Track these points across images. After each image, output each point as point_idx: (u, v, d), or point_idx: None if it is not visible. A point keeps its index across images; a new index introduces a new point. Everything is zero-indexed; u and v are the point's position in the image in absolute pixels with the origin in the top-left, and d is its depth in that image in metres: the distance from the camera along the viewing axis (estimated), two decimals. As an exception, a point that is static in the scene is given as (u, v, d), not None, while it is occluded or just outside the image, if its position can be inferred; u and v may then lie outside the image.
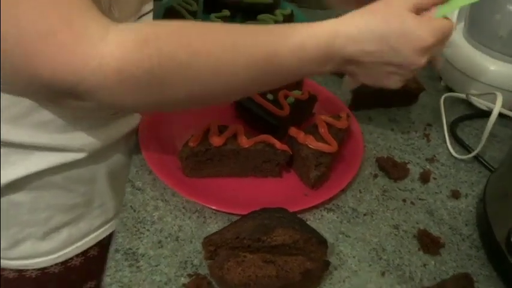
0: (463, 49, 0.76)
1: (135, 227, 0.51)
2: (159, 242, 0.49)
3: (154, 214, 0.53)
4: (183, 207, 0.54)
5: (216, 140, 0.54)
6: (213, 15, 0.81)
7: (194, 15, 0.82)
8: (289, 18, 0.85)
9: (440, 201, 0.59)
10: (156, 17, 0.84)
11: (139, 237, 0.50)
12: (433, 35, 0.46)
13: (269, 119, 0.61)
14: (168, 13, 0.82)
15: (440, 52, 0.49)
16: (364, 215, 0.56)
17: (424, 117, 0.74)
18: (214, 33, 0.42)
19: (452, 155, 0.66)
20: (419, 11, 0.47)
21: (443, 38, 0.47)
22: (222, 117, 0.60)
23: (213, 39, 0.42)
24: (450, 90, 0.79)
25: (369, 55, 0.46)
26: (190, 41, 0.40)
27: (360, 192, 0.59)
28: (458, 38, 0.77)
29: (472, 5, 0.74)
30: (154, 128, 0.62)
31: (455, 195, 0.60)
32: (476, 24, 0.74)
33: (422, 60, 0.47)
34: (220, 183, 0.57)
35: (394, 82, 0.51)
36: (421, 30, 0.45)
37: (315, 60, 0.46)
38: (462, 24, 0.78)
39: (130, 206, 0.53)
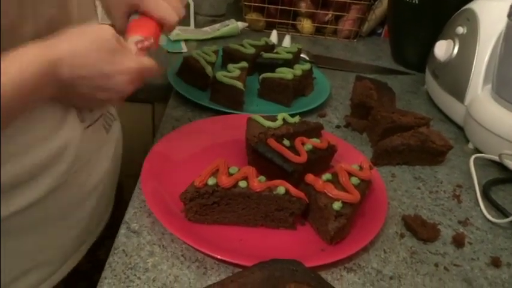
0: (492, 109, 0.72)
1: (125, 273, 0.44)
2: (150, 292, 0.42)
3: (148, 260, 0.46)
4: (182, 255, 0.47)
5: (225, 181, 0.49)
6: (230, 66, 0.79)
7: (212, 66, 0.81)
8: (308, 73, 0.83)
9: (479, 269, 0.51)
10: (174, 65, 0.84)
11: (127, 286, 0.43)
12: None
13: (284, 165, 0.55)
14: (185, 62, 0.81)
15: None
16: (391, 278, 0.48)
17: (452, 178, 0.67)
18: None
19: (488, 219, 0.59)
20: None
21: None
22: (232, 162, 0.55)
23: None
24: (479, 152, 0.73)
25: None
26: None
27: (385, 252, 0.51)
28: (485, 98, 0.74)
29: (500, 63, 0.71)
30: (157, 168, 0.57)
31: (495, 263, 0.52)
32: (505, 83, 0.71)
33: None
34: (227, 231, 0.50)
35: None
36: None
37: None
38: (489, 85, 0.75)
39: (123, 250, 0.47)
